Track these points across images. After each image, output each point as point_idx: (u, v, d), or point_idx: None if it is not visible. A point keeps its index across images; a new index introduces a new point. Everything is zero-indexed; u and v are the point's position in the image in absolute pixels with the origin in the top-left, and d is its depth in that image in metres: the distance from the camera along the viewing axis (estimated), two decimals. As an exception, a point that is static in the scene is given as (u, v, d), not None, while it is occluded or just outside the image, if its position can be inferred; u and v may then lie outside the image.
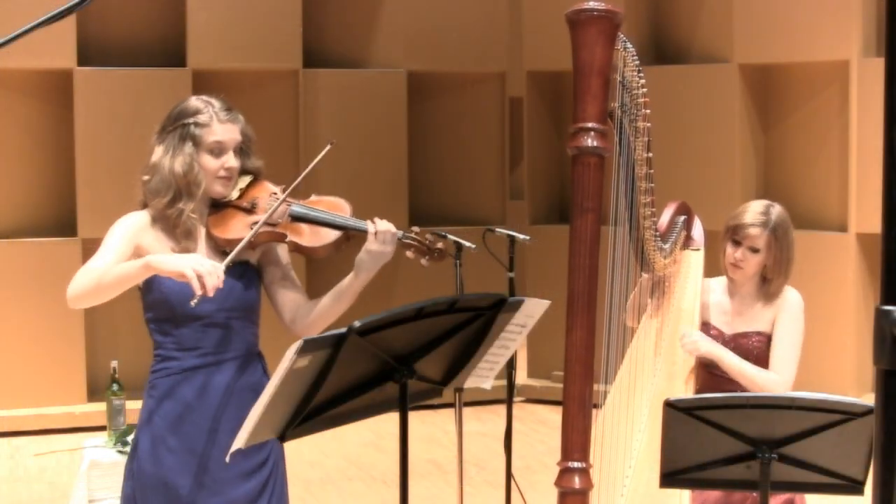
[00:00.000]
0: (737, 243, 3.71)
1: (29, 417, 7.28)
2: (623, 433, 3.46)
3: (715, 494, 3.64)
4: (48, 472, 6.49)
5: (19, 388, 7.33)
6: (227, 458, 2.74)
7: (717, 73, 7.56)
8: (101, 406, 6.46)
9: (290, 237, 3.12)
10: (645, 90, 3.22)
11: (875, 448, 1.51)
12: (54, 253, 7.37)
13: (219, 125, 3.14)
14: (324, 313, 3.18)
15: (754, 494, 3.48)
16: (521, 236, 4.52)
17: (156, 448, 3.13)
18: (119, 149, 7.43)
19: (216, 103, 3.18)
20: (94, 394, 7.42)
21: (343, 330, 2.51)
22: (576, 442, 2.88)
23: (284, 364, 2.47)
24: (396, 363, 2.64)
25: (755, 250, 3.69)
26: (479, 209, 8.12)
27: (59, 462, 6.57)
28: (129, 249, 3.09)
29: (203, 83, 7.43)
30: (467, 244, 4.44)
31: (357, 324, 2.50)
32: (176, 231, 3.12)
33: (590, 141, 2.87)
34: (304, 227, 3.13)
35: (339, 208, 3.16)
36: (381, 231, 3.08)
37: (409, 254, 3.14)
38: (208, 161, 3.14)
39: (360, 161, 7.79)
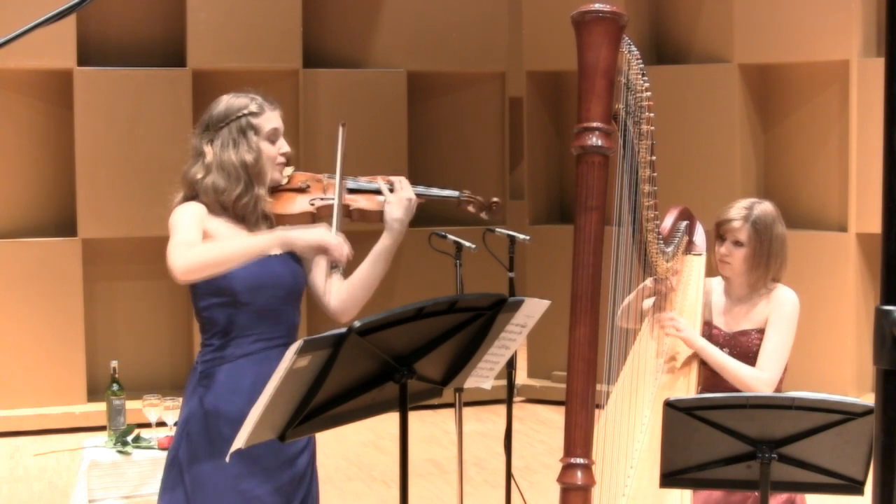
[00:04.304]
0: (722, 238, 3.74)
1: (29, 417, 7.28)
2: (625, 434, 3.46)
3: (715, 494, 3.64)
4: (48, 472, 6.49)
5: (19, 388, 7.34)
6: (227, 458, 2.74)
7: (717, 73, 7.56)
8: (101, 406, 6.46)
9: (354, 206, 3.25)
10: (649, 94, 3.22)
11: (875, 448, 1.51)
12: (54, 253, 7.38)
13: (271, 113, 3.26)
14: (363, 282, 3.25)
15: (755, 494, 3.48)
16: (521, 236, 4.52)
17: (210, 435, 3.15)
18: (119, 149, 7.44)
19: (257, 95, 3.28)
20: (94, 394, 7.42)
21: (343, 330, 2.51)
22: (578, 438, 2.88)
23: (284, 364, 2.47)
24: (396, 363, 2.64)
25: (739, 244, 3.71)
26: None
27: (59, 462, 6.58)
28: (201, 229, 3.14)
29: (203, 83, 7.43)
30: (467, 244, 4.45)
31: (357, 324, 2.50)
32: (249, 218, 3.20)
33: (594, 140, 2.87)
34: (361, 197, 3.27)
35: (389, 181, 3.31)
36: (393, 180, 3.26)
37: (470, 208, 3.43)
38: (268, 148, 3.24)
39: (359, 161, 7.78)
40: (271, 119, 3.25)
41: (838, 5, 7.20)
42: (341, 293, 3.27)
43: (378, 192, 3.26)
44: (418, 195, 3.29)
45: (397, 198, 3.24)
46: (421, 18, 8.03)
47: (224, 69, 7.52)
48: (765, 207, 3.75)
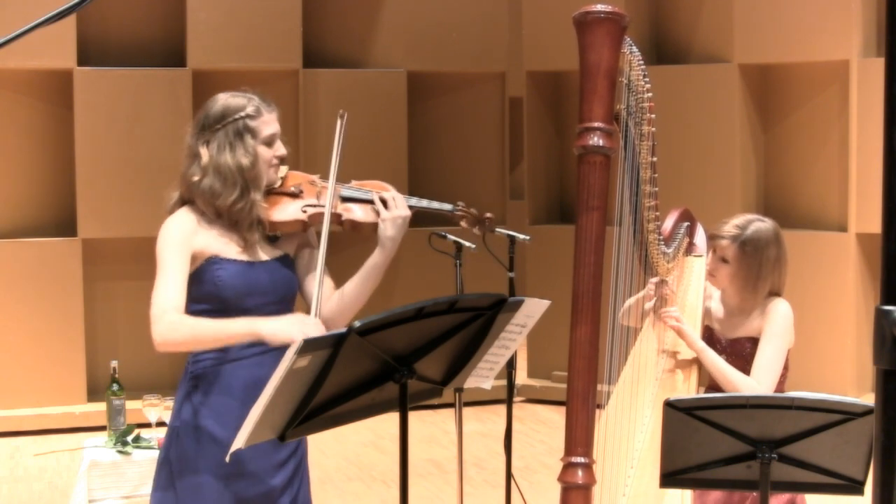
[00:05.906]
0: (714, 251, 3.71)
1: (29, 417, 7.28)
2: (626, 434, 3.46)
3: (716, 494, 3.64)
4: (48, 472, 6.49)
5: (19, 388, 7.34)
6: (227, 458, 2.74)
7: (717, 73, 7.56)
8: (101, 406, 6.46)
9: (346, 216, 3.23)
10: (650, 95, 3.23)
11: (875, 448, 1.51)
12: (54, 253, 7.38)
13: (268, 115, 3.23)
14: (353, 296, 3.24)
15: (754, 494, 3.48)
16: (521, 236, 4.52)
17: (200, 437, 3.15)
18: (119, 149, 7.44)
19: (254, 96, 3.24)
20: (94, 394, 7.42)
21: (343, 330, 2.51)
22: (579, 437, 2.88)
23: (284, 364, 2.47)
24: (396, 363, 2.64)
25: (724, 260, 3.66)
26: (479, 209, 8.10)
27: (59, 462, 6.58)
28: (188, 261, 3.12)
29: (203, 83, 7.43)
30: (467, 244, 4.45)
31: (357, 324, 2.50)
32: (242, 224, 3.17)
33: (596, 140, 2.88)
34: (354, 206, 3.25)
35: (385, 189, 3.29)
36: (388, 197, 3.21)
37: (463, 223, 3.45)
38: (263, 151, 3.21)
39: (359, 161, 7.78)
40: (269, 123, 3.21)
41: (838, 5, 7.20)
42: (332, 303, 3.25)
43: (371, 201, 3.24)
44: (412, 207, 3.26)
45: (392, 216, 3.21)
46: (421, 18, 8.03)
47: (224, 69, 7.52)
48: (759, 227, 3.65)
